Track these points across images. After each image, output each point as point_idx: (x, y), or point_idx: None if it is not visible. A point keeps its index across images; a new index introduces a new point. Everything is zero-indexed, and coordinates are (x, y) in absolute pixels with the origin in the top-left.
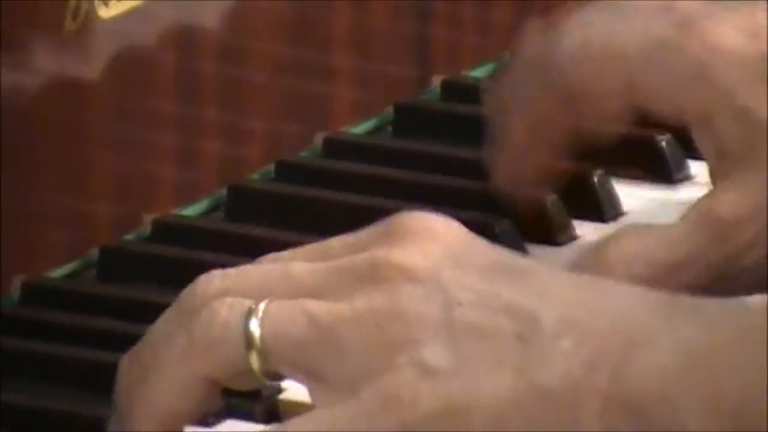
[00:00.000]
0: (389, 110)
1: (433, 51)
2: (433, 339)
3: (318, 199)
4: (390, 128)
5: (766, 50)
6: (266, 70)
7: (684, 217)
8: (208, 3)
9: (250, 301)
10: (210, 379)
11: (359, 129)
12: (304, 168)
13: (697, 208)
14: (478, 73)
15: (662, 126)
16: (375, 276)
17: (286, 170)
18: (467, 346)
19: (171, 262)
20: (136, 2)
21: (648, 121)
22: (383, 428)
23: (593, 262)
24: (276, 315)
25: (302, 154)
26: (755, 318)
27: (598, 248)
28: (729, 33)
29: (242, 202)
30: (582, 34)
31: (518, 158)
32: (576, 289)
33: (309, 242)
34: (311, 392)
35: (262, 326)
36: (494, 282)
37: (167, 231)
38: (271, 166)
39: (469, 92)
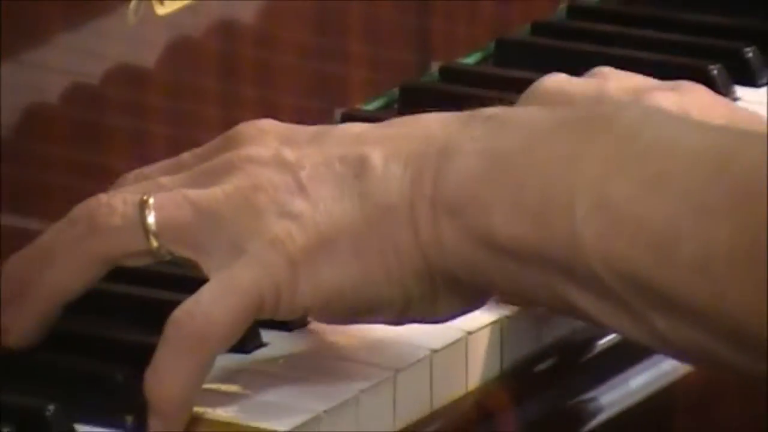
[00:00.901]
0: (396, 90)
1: (433, 41)
2: (290, 196)
3: None
4: (396, 105)
5: None
6: (293, 56)
7: None
8: (245, 1)
9: (140, 195)
10: (108, 260)
11: (371, 106)
12: None
13: None
14: (470, 60)
15: None
16: (233, 169)
17: None
18: (318, 193)
19: None
20: (186, 1)
21: None
22: (275, 266)
23: None
24: (164, 203)
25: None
26: (545, 120)
27: None
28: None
29: None
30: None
31: None
32: (386, 128)
33: None
34: (203, 267)
35: (154, 214)
36: (322, 146)
37: None
38: None
39: (463, 75)
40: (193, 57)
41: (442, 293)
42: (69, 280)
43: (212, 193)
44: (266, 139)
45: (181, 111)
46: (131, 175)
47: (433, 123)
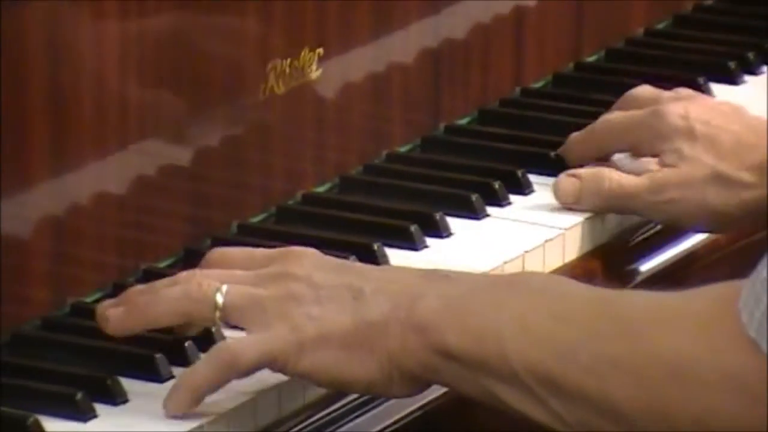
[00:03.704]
0: (418, 139)
1: (441, 109)
2: (311, 305)
3: (391, 183)
4: (419, 148)
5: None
6: (357, 117)
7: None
8: (328, 87)
9: (217, 283)
10: (185, 317)
11: (403, 149)
12: (381, 167)
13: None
14: (463, 121)
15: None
16: (278, 279)
17: (371, 168)
18: (328, 305)
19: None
20: (295, 85)
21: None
22: (289, 342)
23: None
24: (231, 292)
25: (376, 161)
26: (482, 280)
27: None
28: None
29: (349, 184)
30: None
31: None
32: (382, 271)
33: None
34: (247, 331)
35: (223, 298)
36: (339, 274)
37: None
38: (360, 167)
39: (459, 132)
40: (298, 117)
41: (396, 382)
42: (158, 319)
43: (262, 293)
44: (305, 262)
45: (292, 151)
46: (216, 253)
47: (409, 274)
